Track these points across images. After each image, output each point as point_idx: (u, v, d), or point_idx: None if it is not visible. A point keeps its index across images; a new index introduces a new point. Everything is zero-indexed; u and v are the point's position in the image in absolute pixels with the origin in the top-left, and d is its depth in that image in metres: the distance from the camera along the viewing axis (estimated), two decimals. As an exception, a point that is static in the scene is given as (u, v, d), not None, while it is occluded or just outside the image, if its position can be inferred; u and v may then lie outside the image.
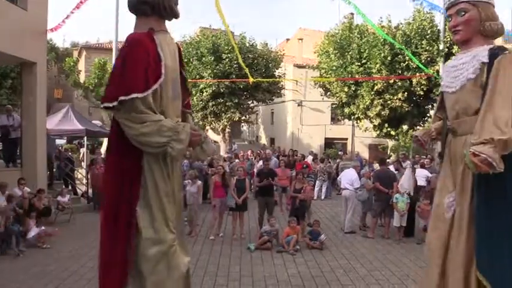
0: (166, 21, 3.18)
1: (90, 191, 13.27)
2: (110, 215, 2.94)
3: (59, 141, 19.06)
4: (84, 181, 14.65)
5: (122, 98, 2.74)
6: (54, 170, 13.32)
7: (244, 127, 40.76)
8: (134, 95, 2.73)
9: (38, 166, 11.47)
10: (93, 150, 18.25)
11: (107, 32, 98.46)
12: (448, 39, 17.31)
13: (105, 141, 21.78)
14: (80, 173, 16.08)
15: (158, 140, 2.81)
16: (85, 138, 17.25)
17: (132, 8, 3.09)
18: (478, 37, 2.94)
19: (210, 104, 21.84)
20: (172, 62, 3.13)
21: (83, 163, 18.23)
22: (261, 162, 14.26)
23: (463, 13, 2.90)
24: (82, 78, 26.71)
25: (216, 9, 10.41)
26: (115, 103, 2.76)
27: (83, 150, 18.98)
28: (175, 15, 3.20)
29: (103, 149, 20.64)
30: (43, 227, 8.96)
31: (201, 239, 9.30)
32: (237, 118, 23.45)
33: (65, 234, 9.50)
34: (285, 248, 8.33)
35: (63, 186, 13.10)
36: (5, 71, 19.35)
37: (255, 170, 13.53)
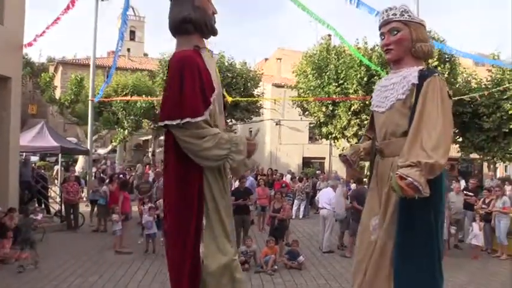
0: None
1: (63, 209, 12.93)
2: (177, 232, 2.92)
3: (31, 158, 18.61)
4: (58, 199, 14.28)
5: (188, 119, 2.77)
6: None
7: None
8: (199, 119, 2.78)
9: (10, 184, 11.13)
10: (68, 168, 17.90)
11: (85, 48, 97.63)
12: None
13: (80, 158, 21.42)
14: (54, 191, 15.68)
15: (218, 152, 2.85)
16: (59, 155, 16.87)
17: (175, 27, 3.13)
18: (409, 57, 2.93)
19: (189, 122, 21.78)
20: (216, 77, 3.17)
21: (56, 181, 17.81)
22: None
23: (396, 32, 2.89)
24: (58, 94, 26.34)
25: None
26: (179, 122, 2.78)
27: (57, 167, 18.57)
28: (214, 33, 3.26)
29: (77, 167, 20.26)
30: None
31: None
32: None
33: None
34: (263, 268, 8.27)
35: (36, 205, 12.73)
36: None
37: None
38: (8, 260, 8.49)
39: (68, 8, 8.93)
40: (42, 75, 23.23)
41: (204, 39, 3.24)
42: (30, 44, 11.82)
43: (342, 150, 18.98)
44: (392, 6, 2.98)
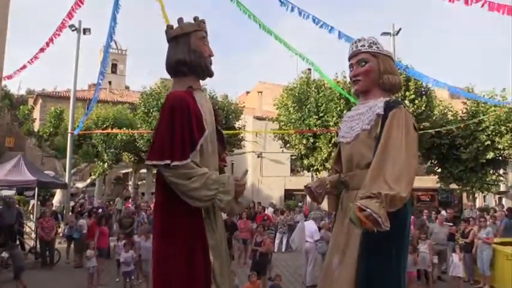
0: None
1: (38, 245, 12.50)
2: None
3: (7, 192, 18.10)
4: (33, 235, 13.82)
5: (177, 163, 2.82)
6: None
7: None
8: (186, 162, 2.83)
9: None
10: (44, 202, 17.42)
11: (65, 80, 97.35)
12: (399, 94, 18.30)
13: (58, 192, 20.91)
14: (29, 227, 15.20)
15: (206, 193, 2.86)
16: (36, 189, 16.46)
17: (171, 68, 3.22)
18: (376, 89, 2.91)
19: (170, 155, 21.64)
20: (209, 117, 3.22)
21: (32, 216, 17.30)
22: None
23: (364, 63, 2.90)
24: (37, 126, 26.00)
25: None
26: (168, 163, 2.82)
27: (33, 201, 18.08)
28: (210, 75, 3.33)
29: (55, 201, 19.74)
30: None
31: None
32: (197, 169, 23.28)
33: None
34: (245, 304, 8.07)
35: (10, 241, 12.26)
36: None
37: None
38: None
39: (48, 44, 8.93)
40: (21, 107, 22.93)
41: (199, 80, 3.32)
42: (9, 77, 11.70)
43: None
44: (361, 37, 3.00)
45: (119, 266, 9.83)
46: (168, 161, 2.84)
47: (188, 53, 3.18)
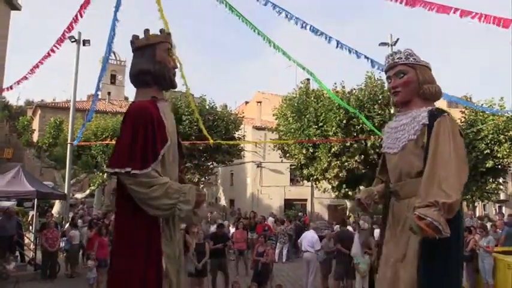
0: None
1: (38, 257, 12.41)
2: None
3: (6, 203, 18.01)
4: (32, 246, 13.74)
5: (136, 171, 2.82)
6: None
7: (204, 189, 40.32)
8: (146, 170, 2.83)
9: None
10: (43, 213, 17.34)
11: (64, 91, 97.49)
12: (398, 104, 18.38)
13: (57, 203, 20.82)
14: (28, 238, 15.10)
15: (166, 202, 2.87)
16: (35, 200, 16.41)
17: (135, 78, 3.25)
18: (417, 99, 2.98)
19: (169, 165, 21.63)
20: (171, 128, 3.25)
21: (31, 227, 17.20)
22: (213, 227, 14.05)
23: (402, 75, 2.97)
24: (36, 137, 25.95)
25: (180, 73, 10.57)
26: (129, 170, 2.81)
27: (32, 212, 17.99)
28: (174, 86, 3.39)
29: (54, 212, 19.64)
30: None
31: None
32: (197, 179, 23.23)
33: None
34: (247, 315, 8.02)
35: (8, 252, 12.19)
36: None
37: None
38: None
39: (48, 55, 8.96)
40: (20, 118, 22.92)
41: (162, 91, 3.34)
42: (10, 88, 11.73)
43: (324, 192, 18.92)
44: (397, 50, 3.10)
45: None
46: (128, 169, 2.84)
47: (153, 63, 3.23)
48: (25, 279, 11.08)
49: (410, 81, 2.97)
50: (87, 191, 24.72)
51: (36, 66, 9.39)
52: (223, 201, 35.39)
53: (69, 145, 17.48)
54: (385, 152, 3.16)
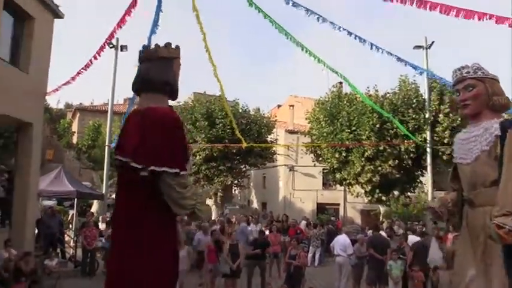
0: None
1: (78, 254, 12.91)
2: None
3: (47, 202, 18.80)
4: (72, 244, 14.30)
5: (184, 172, 3.09)
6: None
7: (236, 191, 40.65)
8: (185, 173, 3.11)
9: (26, 228, 11.27)
10: (84, 212, 18.06)
11: (102, 94, 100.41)
12: (434, 108, 18.03)
13: (95, 203, 21.57)
14: (68, 235, 15.73)
15: (191, 202, 3.13)
16: (75, 200, 17.07)
17: (157, 85, 3.39)
18: (486, 111, 3.10)
19: (203, 167, 21.97)
20: None
21: (71, 225, 17.90)
22: (250, 227, 14.20)
23: (471, 88, 3.10)
24: (75, 139, 26.92)
25: (215, 78, 10.77)
26: (177, 171, 3.03)
27: (72, 212, 18.72)
28: (176, 98, 3.64)
29: (92, 211, 20.33)
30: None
31: (192, 307, 9.03)
32: (230, 182, 23.51)
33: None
34: (279, 317, 8.12)
35: (51, 249, 12.75)
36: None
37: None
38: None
39: (91, 61, 9.39)
40: (61, 121, 23.89)
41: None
42: (54, 91, 12.28)
43: (357, 197, 18.77)
44: (465, 65, 3.22)
45: None
46: (177, 170, 3.03)
47: (172, 76, 3.45)
48: (66, 276, 11.55)
49: (479, 94, 3.09)
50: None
51: (80, 72, 9.84)
52: (255, 204, 35.55)
53: (107, 147, 18.05)
54: (458, 162, 3.29)
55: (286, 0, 7.60)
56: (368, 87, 20.18)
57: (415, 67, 12.05)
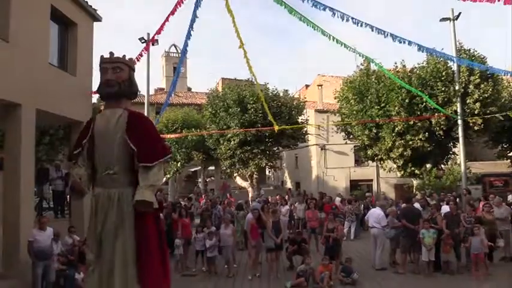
0: None
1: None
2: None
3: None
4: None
5: (170, 155, 4.52)
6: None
7: (270, 173, 41.45)
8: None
9: (85, 217, 12.33)
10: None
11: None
12: (463, 79, 18.07)
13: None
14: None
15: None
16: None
17: (133, 95, 4.59)
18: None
19: (238, 152, 22.76)
20: (103, 129, 4.51)
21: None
22: (285, 208, 14.93)
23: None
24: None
25: (246, 63, 11.21)
26: (167, 157, 4.30)
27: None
28: (103, 96, 4.62)
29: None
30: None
31: (239, 279, 9.88)
32: (264, 164, 24.27)
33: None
34: (320, 285, 8.84)
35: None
36: (44, 128, 20.74)
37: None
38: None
39: (138, 59, 10.16)
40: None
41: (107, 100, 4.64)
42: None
43: (389, 172, 19.16)
44: None
45: (197, 255, 10.97)
46: (170, 154, 4.46)
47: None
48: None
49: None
50: (164, 179, 26.54)
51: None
52: (289, 184, 36.31)
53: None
54: None
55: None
56: (395, 63, 20.35)
57: (433, 52, 12.20)
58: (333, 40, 9.39)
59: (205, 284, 9.60)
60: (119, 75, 4.37)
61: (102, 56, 4.48)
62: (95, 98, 14.35)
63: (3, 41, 8.99)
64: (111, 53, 4.46)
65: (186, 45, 10.28)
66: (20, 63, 9.37)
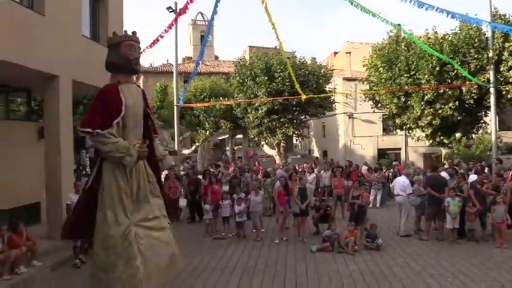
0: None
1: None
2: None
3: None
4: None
5: (94, 132, 4.69)
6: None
7: (297, 141, 41.63)
8: (100, 132, 4.70)
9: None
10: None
11: (159, 56, 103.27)
12: (497, 46, 17.49)
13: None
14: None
15: (116, 154, 4.73)
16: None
17: (107, 68, 5.13)
18: None
19: (265, 120, 22.98)
20: (133, 102, 5.05)
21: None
22: (311, 176, 15.19)
23: None
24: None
25: (273, 30, 11.23)
26: (90, 131, 4.71)
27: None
28: (136, 72, 5.32)
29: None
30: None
31: (267, 243, 10.30)
32: (291, 133, 24.46)
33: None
34: (345, 250, 9.16)
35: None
36: (78, 98, 21.43)
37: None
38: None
39: (166, 31, 10.39)
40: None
41: (131, 75, 5.21)
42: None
43: (417, 141, 19.05)
44: None
45: (224, 221, 11.45)
46: (89, 129, 4.68)
47: (117, 57, 4.97)
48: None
49: None
50: (193, 147, 27.20)
51: (155, 41, 10.92)
52: (316, 153, 36.48)
53: (175, 106, 19.41)
54: None
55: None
56: (426, 30, 19.85)
57: (464, 18, 11.83)
58: (361, 10, 9.33)
59: (234, 246, 10.06)
60: (139, 55, 5.25)
61: (134, 33, 5.13)
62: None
63: (39, 14, 9.36)
64: (135, 32, 5.13)
65: (214, 12, 10.39)
66: (55, 36, 9.74)
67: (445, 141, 20.05)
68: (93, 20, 12.38)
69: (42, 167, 10.61)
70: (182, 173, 18.29)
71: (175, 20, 9.94)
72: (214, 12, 10.51)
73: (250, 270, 8.11)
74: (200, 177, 14.02)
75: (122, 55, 4.96)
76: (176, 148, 19.93)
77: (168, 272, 5.15)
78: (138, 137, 5.13)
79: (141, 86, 24.61)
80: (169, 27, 10.25)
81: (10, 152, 10.84)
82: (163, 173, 16.86)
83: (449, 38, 18.83)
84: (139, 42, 5.19)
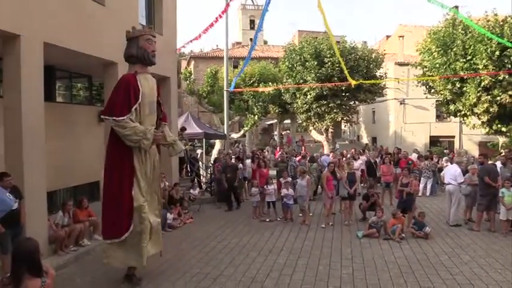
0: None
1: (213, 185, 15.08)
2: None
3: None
4: (207, 177, 16.65)
5: (116, 118, 5.55)
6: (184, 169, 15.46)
7: (346, 127, 41.15)
8: (121, 118, 5.55)
9: (172, 164, 13.50)
10: (207, 151, 20.50)
11: (210, 41, 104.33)
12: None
13: (217, 142, 24.04)
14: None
15: (134, 137, 5.57)
16: (204, 140, 19.42)
17: (126, 59, 5.94)
18: None
19: (314, 106, 22.89)
20: (149, 91, 5.91)
21: (200, 162, 20.47)
22: (358, 162, 15.12)
23: None
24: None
25: (321, 15, 11.20)
26: (112, 118, 5.61)
27: (200, 151, 21.27)
28: (152, 63, 6.05)
29: (216, 149, 22.81)
30: (181, 217, 10.97)
31: (313, 227, 10.50)
32: (340, 118, 24.23)
33: (196, 220, 11.40)
34: (391, 237, 9.17)
35: (191, 182, 15.09)
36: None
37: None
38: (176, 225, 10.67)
39: (220, 16, 10.65)
40: (182, 71, 26.29)
41: (147, 66, 6.01)
42: (180, 49, 13.97)
43: (472, 129, 18.39)
44: None
45: (268, 206, 11.71)
46: (112, 117, 5.50)
47: (136, 49, 5.80)
48: (204, 202, 13.80)
49: None
50: (241, 132, 27.59)
51: (207, 28, 11.23)
52: (365, 139, 35.94)
53: (225, 92, 19.73)
54: None
55: None
56: (486, 12, 18.91)
57: None
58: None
59: (281, 229, 10.34)
60: (155, 49, 6.05)
61: (150, 29, 6.16)
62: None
63: (100, 4, 9.87)
64: (151, 28, 6.21)
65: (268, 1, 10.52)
66: (114, 24, 10.23)
67: (503, 129, 19.16)
68: (148, 9, 12.84)
69: (101, 148, 11.26)
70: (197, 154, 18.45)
71: (227, 5, 10.15)
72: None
73: (297, 252, 8.36)
74: (238, 163, 14.16)
75: (141, 47, 5.78)
76: (225, 132, 20.36)
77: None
78: (153, 122, 6.03)
79: (192, 71, 25.72)
80: (222, 12, 10.50)
81: (74, 133, 11.63)
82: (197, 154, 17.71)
83: (510, 21, 17.86)
84: (154, 36, 6.06)
